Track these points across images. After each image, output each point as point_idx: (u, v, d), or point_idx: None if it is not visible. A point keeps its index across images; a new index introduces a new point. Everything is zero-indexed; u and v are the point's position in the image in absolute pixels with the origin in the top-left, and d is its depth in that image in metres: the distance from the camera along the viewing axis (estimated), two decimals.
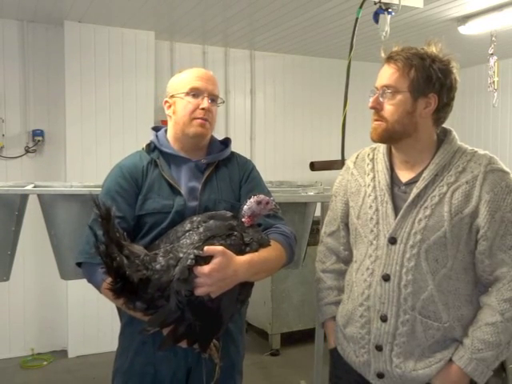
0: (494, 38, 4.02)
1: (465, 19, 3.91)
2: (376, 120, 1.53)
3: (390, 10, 2.81)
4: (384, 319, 1.50)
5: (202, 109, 1.63)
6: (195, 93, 1.64)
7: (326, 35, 4.43)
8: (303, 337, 4.29)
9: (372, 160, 1.64)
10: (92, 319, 4.16)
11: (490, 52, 4.08)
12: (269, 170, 4.57)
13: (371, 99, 1.53)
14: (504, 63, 4.66)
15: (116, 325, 1.80)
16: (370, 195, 1.58)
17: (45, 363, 4.06)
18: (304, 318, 4.31)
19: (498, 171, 1.47)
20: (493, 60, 4.09)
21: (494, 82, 4.14)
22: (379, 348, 1.51)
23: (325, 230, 1.78)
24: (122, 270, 1.29)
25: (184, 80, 1.67)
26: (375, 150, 1.66)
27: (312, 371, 2.73)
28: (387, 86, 1.49)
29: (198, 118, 1.63)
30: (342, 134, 2.52)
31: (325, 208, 2.56)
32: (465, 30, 3.98)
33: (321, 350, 2.61)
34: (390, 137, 1.52)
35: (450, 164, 1.50)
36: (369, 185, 1.60)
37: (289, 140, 5.23)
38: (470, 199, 1.45)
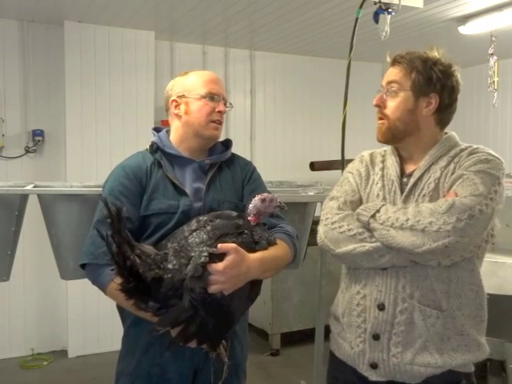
0: (493, 38, 4.02)
1: (465, 19, 3.91)
2: (379, 119, 1.57)
3: (390, 10, 2.81)
4: (381, 308, 1.49)
5: (219, 112, 1.68)
6: (212, 96, 1.67)
7: (326, 35, 4.43)
8: (303, 337, 4.28)
9: (383, 156, 1.67)
10: (92, 319, 4.16)
11: (490, 52, 4.07)
12: (269, 170, 4.55)
13: (376, 97, 1.56)
14: (504, 63, 4.65)
15: (116, 325, 1.80)
16: (377, 183, 1.60)
17: (45, 363, 4.06)
18: (304, 318, 4.31)
19: (484, 152, 1.48)
20: (493, 60, 4.08)
21: (494, 81, 4.14)
22: (376, 337, 1.50)
23: (345, 198, 1.61)
24: (136, 268, 1.29)
25: (199, 82, 1.69)
26: (386, 151, 1.69)
27: (312, 371, 2.73)
28: (392, 82, 1.54)
29: (215, 121, 1.68)
30: (342, 134, 2.52)
31: None
32: (465, 30, 3.98)
33: (321, 350, 2.61)
34: (393, 135, 1.55)
35: (445, 155, 1.53)
36: (377, 173, 1.62)
37: (289, 140, 5.23)
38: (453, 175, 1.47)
